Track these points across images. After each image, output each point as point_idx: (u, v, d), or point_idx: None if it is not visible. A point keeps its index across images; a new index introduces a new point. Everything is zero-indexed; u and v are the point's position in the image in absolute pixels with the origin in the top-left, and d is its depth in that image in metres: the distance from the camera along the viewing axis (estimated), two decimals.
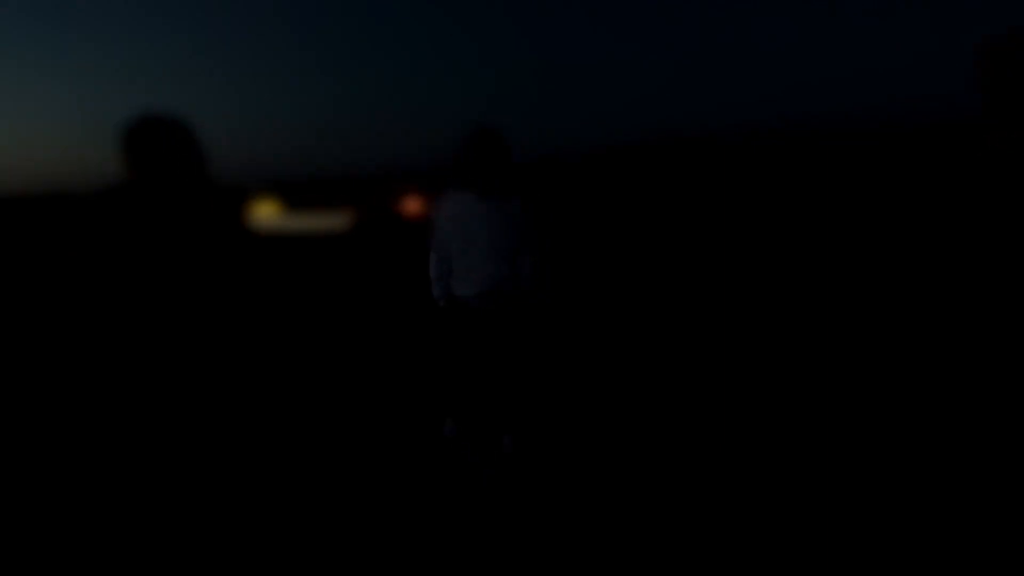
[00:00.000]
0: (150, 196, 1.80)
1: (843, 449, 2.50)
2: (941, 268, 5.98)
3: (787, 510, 2.10)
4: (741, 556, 1.89)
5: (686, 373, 3.60)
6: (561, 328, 4.74)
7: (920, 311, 4.62)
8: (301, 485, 2.46)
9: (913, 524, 1.96)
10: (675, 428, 2.85)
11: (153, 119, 1.87)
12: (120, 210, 1.77)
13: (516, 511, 2.19)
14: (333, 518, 2.21)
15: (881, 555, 1.83)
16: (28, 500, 2.21)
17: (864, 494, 2.15)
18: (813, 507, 2.11)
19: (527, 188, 2.51)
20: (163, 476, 1.86)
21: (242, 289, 1.99)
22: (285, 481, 2.48)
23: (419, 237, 13.35)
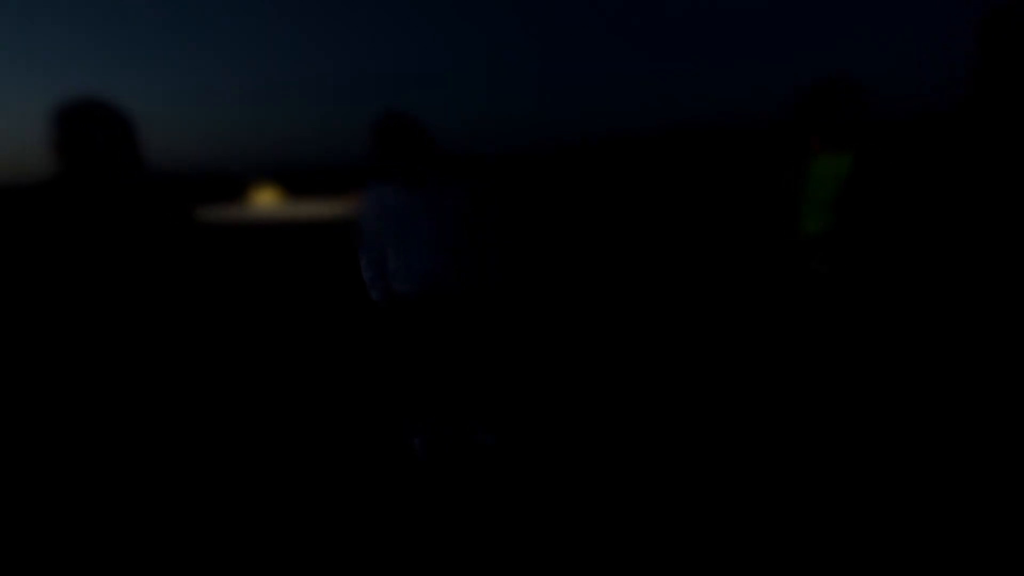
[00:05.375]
0: (81, 193, 1.57)
1: (839, 448, 2.42)
2: (939, 264, 5.83)
3: (779, 510, 2.06)
4: (734, 558, 1.85)
5: (671, 371, 3.50)
6: (526, 322, 4.59)
7: (919, 308, 4.47)
8: (282, 489, 2.36)
9: (913, 524, 1.93)
10: (660, 427, 2.76)
11: (84, 104, 1.57)
12: (47, 209, 1.52)
13: (502, 515, 2.10)
14: (320, 523, 2.12)
15: (881, 555, 1.81)
16: None
17: (864, 494, 2.11)
18: (803, 506, 2.08)
19: (484, 176, 2.31)
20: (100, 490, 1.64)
21: (199, 290, 1.74)
22: (258, 488, 2.35)
23: None
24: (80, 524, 1.69)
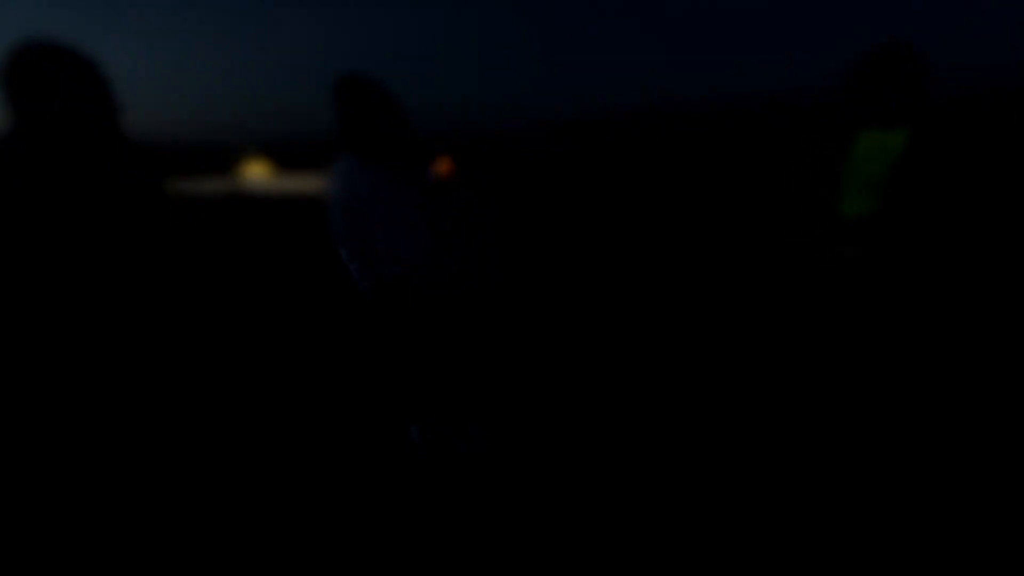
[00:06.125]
0: (39, 151, 1.34)
1: (854, 449, 2.38)
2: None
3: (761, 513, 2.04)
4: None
5: (683, 366, 3.48)
6: (519, 314, 4.43)
7: (960, 306, 4.46)
8: (271, 484, 2.32)
9: (913, 524, 1.92)
10: (671, 426, 2.72)
11: (40, 46, 1.32)
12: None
13: (498, 515, 2.07)
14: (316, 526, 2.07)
15: (881, 555, 1.79)
16: None
17: (864, 494, 2.09)
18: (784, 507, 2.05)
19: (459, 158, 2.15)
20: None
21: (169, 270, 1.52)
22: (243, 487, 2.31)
23: None
24: (65, 523, 1.57)
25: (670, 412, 2.84)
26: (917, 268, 1.89)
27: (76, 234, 1.38)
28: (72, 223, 1.38)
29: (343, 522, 2.06)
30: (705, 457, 2.40)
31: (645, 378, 3.25)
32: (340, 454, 2.54)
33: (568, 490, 2.20)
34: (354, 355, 3.78)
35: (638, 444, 2.54)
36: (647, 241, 7.68)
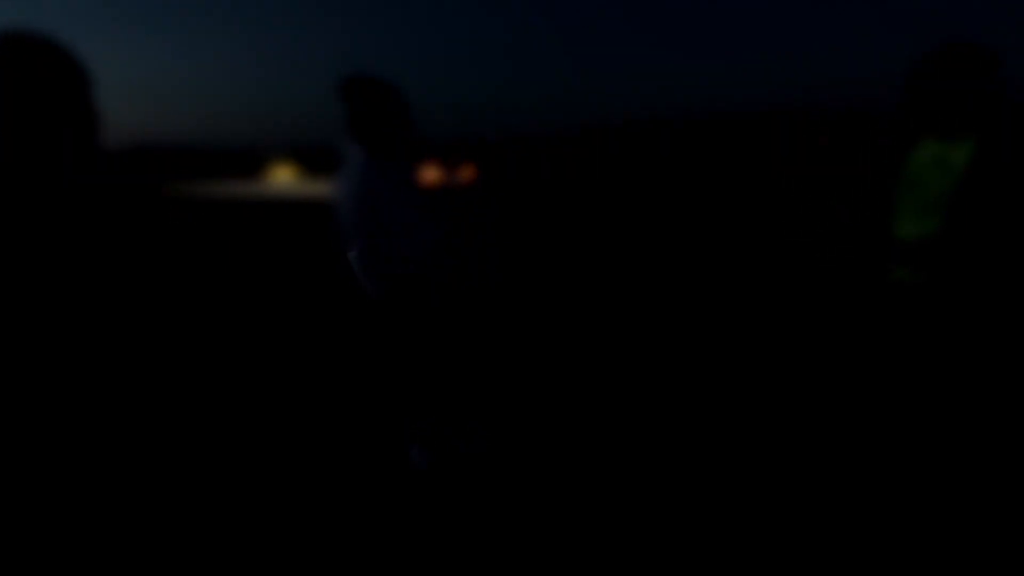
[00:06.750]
0: (6, 153, 1.25)
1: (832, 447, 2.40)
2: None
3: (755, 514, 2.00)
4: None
5: (661, 368, 3.45)
6: (518, 315, 4.43)
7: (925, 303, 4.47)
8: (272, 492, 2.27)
9: (913, 524, 1.87)
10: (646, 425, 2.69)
11: (14, 38, 1.25)
12: None
13: (499, 521, 2.06)
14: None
15: (881, 555, 1.75)
16: None
17: (864, 494, 2.06)
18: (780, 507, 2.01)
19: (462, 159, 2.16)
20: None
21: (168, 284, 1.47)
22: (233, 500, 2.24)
23: None
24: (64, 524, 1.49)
25: (670, 412, 2.83)
26: (983, 298, 1.68)
27: (47, 241, 1.26)
28: (40, 230, 1.25)
29: (345, 521, 2.05)
30: (706, 458, 2.37)
31: (647, 379, 3.24)
32: (343, 454, 2.52)
33: (568, 489, 2.19)
34: (359, 356, 3.75)
35: (638, 443, 2.54)
36: (658, 248, 7.55)
